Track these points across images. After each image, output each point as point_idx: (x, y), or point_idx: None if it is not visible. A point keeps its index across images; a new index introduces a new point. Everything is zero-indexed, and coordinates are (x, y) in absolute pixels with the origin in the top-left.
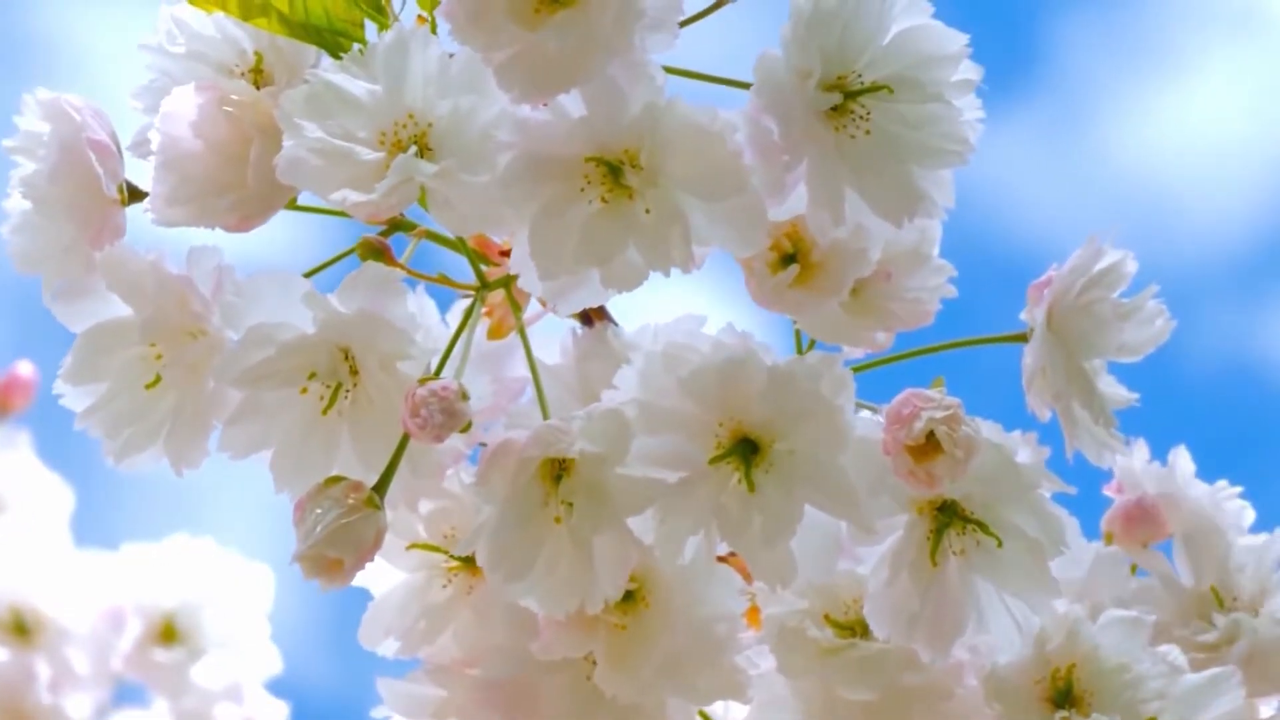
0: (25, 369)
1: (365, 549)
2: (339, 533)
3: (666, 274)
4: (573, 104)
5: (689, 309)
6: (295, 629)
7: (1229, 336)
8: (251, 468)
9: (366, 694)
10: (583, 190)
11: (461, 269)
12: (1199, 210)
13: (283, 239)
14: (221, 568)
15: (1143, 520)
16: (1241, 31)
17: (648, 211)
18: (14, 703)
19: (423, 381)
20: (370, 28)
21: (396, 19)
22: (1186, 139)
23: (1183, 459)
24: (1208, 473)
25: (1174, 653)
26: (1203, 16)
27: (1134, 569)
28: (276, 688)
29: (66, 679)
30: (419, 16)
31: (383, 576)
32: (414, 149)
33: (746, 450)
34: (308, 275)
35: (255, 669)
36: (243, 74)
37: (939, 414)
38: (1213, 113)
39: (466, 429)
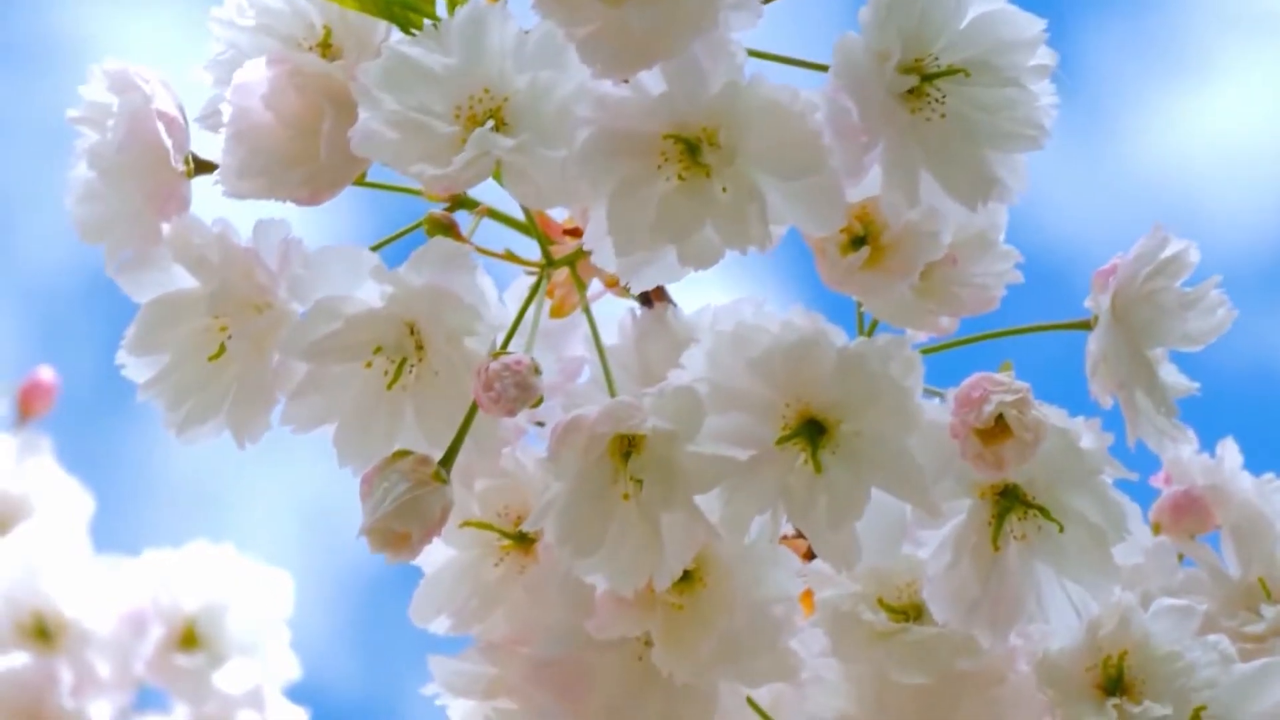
0: (46, 374)
1: (432, 523)
2: (407, 506)
3: (744, 252)
4: (652, 80)
5: (740, 293)
6: (319, 633)
7: (1254, 338)
8: (275, 471)
9: (391, 697)
10: (660, 167)
11: (522, 249)
12: (1224, 213)
13: (347, 217)
14: (242, 573)
15: (1190, 511)
16: (1267, 36)
17: (724, 190)
18: (36, 707)
19: (495, 356)
20: (440, 3)
21: None
22: (1212, 142)
23: (1230, 451)
24: None
25: (1224, 642)
26: (1228, 21)
27: (1180, 559)
28: (301, 691)
29: (88, 684)
30: None
31: (435, 554)
32: (490, 123)
33: (813, 431)
34: (375, 248)
35: (276, 674)
36: (311, 48)
37: (1009, 397)
38: (1238, 116)
39: (538, 404)
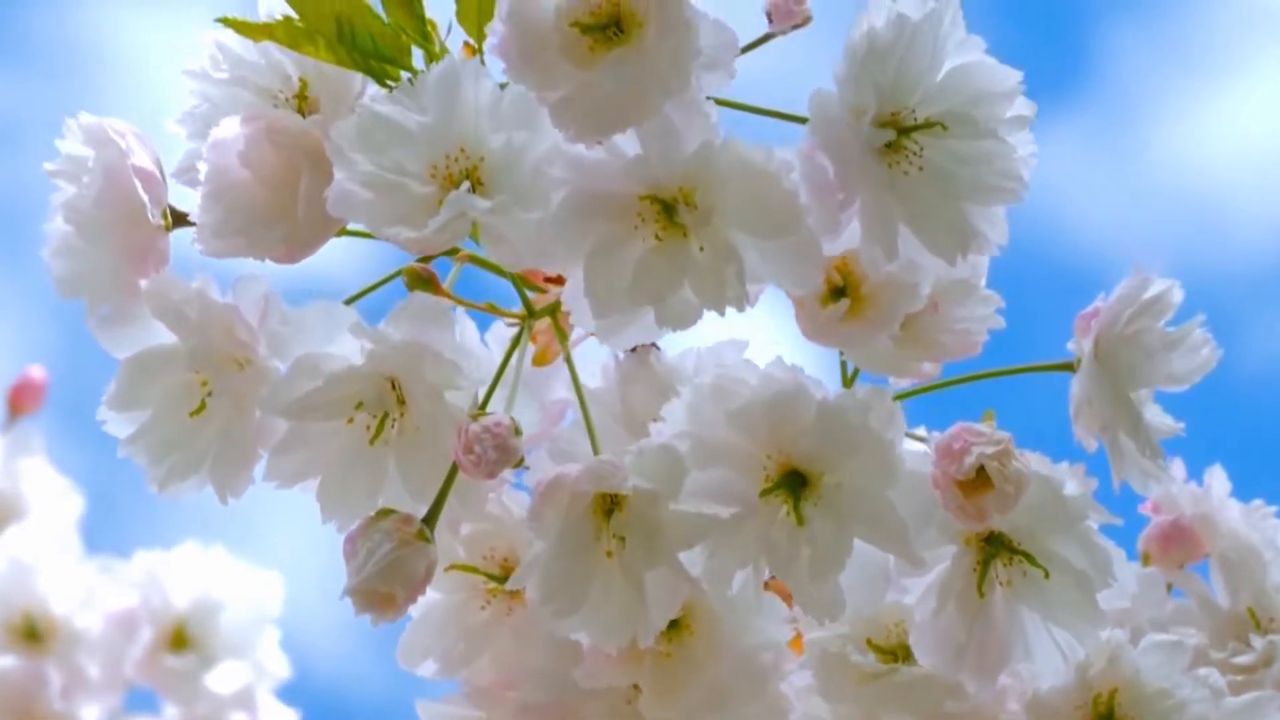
0: (37, 372)
1: (417, 583)
2: (391, 567)
3: (721, 313)
4: (627, 142)
5: (731, 333)
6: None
7: (1277, 340)
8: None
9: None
10: (637, 228)
11: (503, 293)
12: (1248, 214)
13: (325, 261)
14: (233, 575)
15: (1179, 541)
16: None
17: (702, 250)
18: (26, 708)
19: (475, 417)
20: (418, 56)
21: (445, 47)
22: (1235, 145)
23: (1218, 479)
24: (1261, 480)
25: (1214, 676)
26: (1251, 22)
27: (1170, 588)
28: (325, 694)
29: (78, 685)
30: (466, 45)
31: (422, 597)
32: (466, 184)
33: (795, 483)
34: (352, 300)
35: (266, 675)
36: (287, 100)
37: (990, 449)
38: (1262, 118)
39: (519, 464)
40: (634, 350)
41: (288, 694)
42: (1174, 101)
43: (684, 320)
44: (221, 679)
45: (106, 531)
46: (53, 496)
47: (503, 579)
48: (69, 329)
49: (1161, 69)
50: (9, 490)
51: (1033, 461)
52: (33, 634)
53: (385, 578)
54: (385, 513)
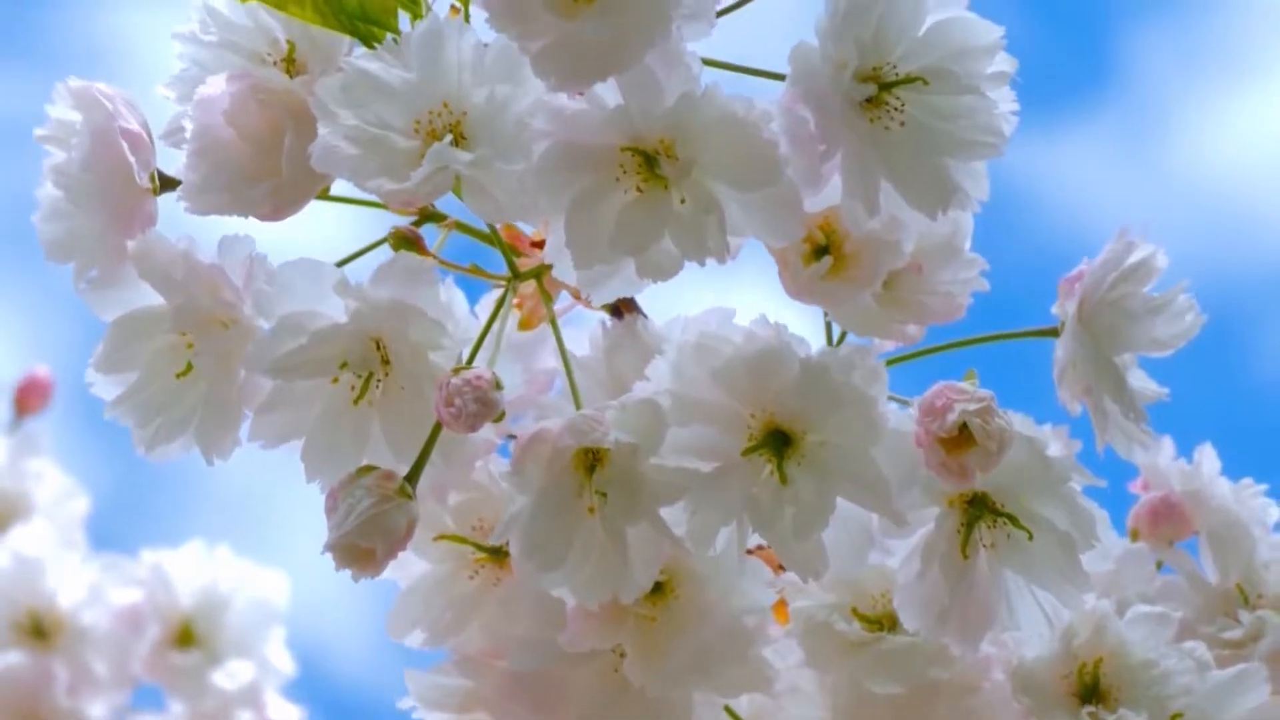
0: (43, 371)
1: (397, 539)
2: (371, 522)
3: (702, 263)
4: (609, 93)
5: (720, 303)
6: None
7: None
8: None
9: None
10: (618, 180)
11: (492, 261)
12: (1272, 217)
13: (314, 230)
14: (238, 572)
15: (1168, 517)
16: None
17: (683, 201)
18: (32, 705)
19: (456, 371)
20: (404, 18)
21: (430, 8)
22: (1260, 147)
23: (1208, 456)
24: None
25: (1200, 649)
26: (1277, 25)
27: (1159, 566)
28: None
29: (85, 682)
30: (452, 6)
31: (410, 568)
32: (449, 137)
33: (778, 442)
34: (340, 264)
35: (272, 672)
36: (275, 63)
37: (972, 406)
38: None
39: (500, 419)
40: (620, 318)
41: (307, 692)
42: (1199, 104)
43: (665, 271)
44: (228, 676)
45: (113, 529)
46: (59, 495)
47: (491, 549)
48: (78, 328)
49: (1187, 71)
50: (16, 489)
51: (1016, 422)
52: (39, 631)
53: (365, 533)
54: (366, 469)
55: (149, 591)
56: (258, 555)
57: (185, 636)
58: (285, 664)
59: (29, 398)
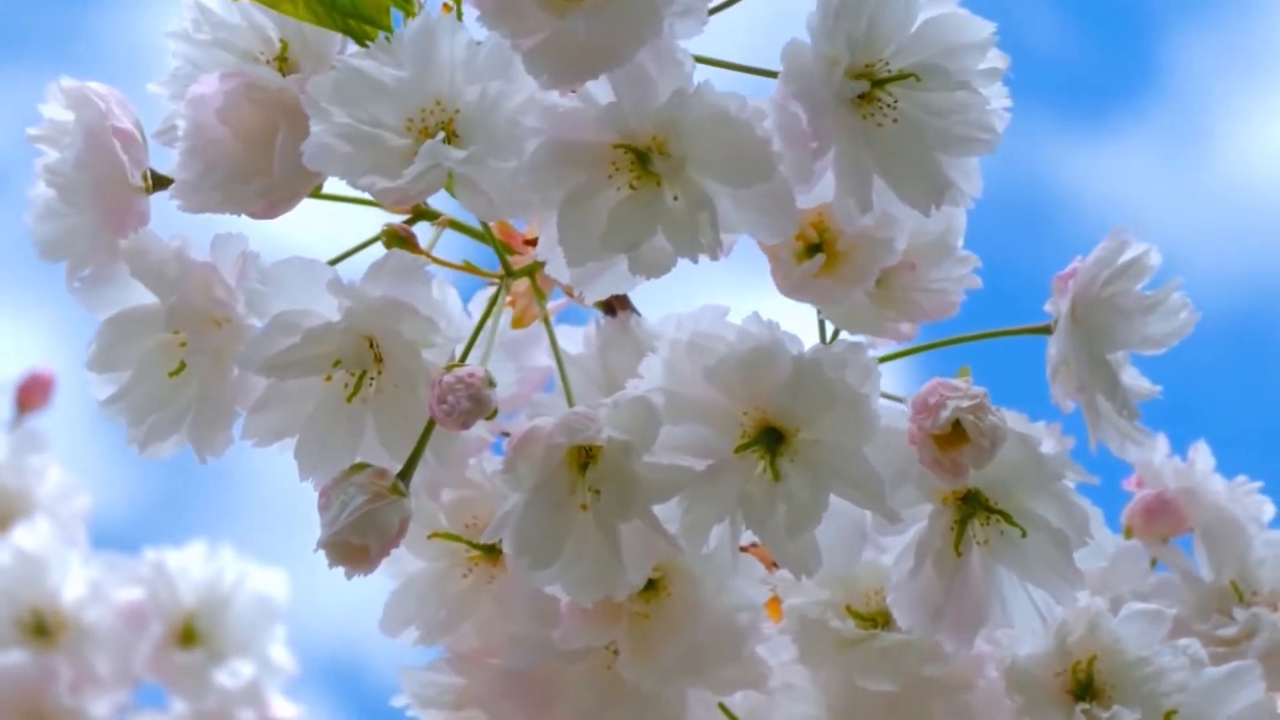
0: (45, 369)
1: (390, 535)
2: (364, 519)
3: (695, 260)
4: (601, 90)
5: (713, 301)
6: None
7: None
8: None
9: None
10: (610, 177)
11: (484, 259)
12: None
13: (306, 228)
14: (241, 571)
15: (1162, 514)
16: None
17: (675, 198)
18: (35, 703)
19: (449, 368)
20: (396, 16)
21: (422, 6)
22: None
23: (1202, 453)
24: None
25: (1194, 646)
26: None
27: (1153, 563)
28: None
29: (87, 680)
30: (444, 4)
31: (403, 566)
32: (441, 135)
33: (771, 439)
34: (333, 262)
35: (274, 671)
36: (268, 61)
37: (965, 403)
38: None
39: (492, 416)
40: (614, 316)
41: (343, 692)
42: (1242, 108)
43: (657, 268)
44: (230, 674)
45: (115, 527)
46: (61, 492)
47: (484, 547)
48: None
49: (1230, 76)
50: (18, 487)
51: (1009, 418)
52: (42, 629)
53: (358, 530)
54: (359, 466)
55: (151, 590)
56: (298, 556)
57: (187, 635)
58: (287, 662)
59: (30, 395)
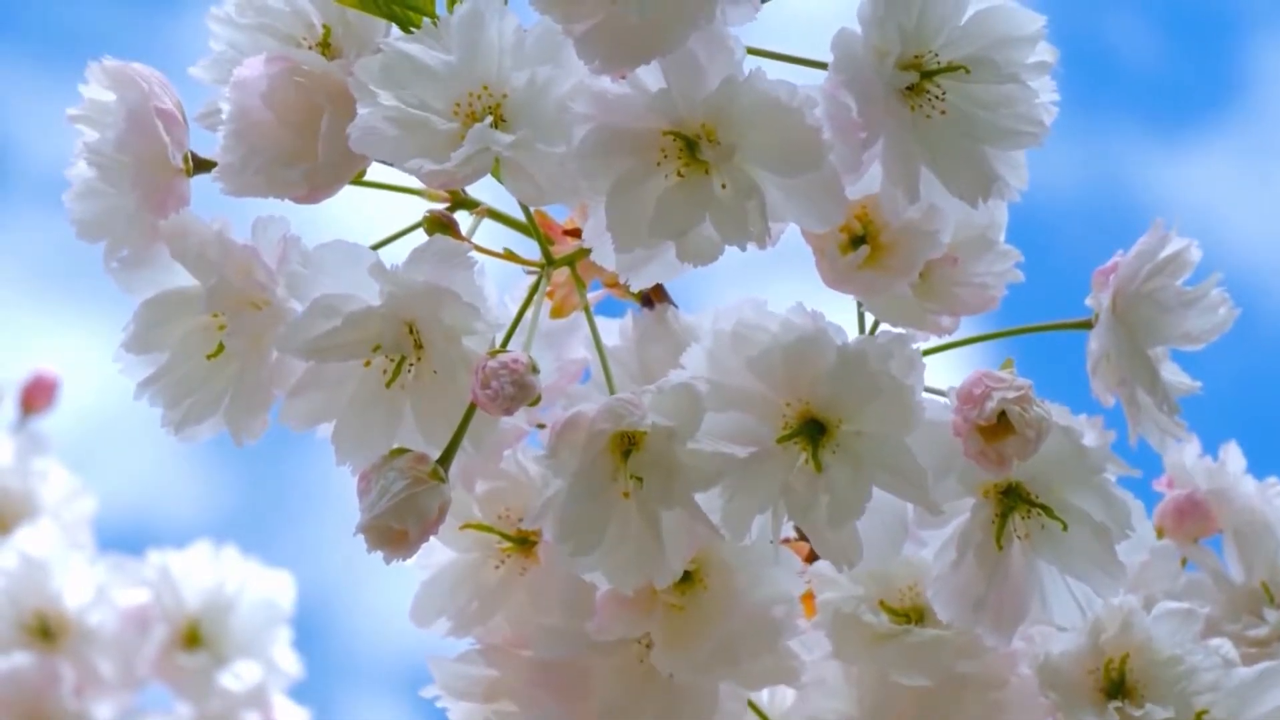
0: (50, 370)
1: (430, 521)
2: (404, 504)
3: (743, 248)
4: (651, 77)
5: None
6: None
7: None
8: None
9: None
10: (659, 164)
11: (522, 249)
12: None
13: (345, 214)
14: (245, 574)
15: (1193, 515)
16: None
17: (724, 186)
18: (39, 706)
19: (493, 354)
20: (440, 1)
21: None
22: None
23: (1233, 454)
24: None
25: (1226, 646)
26: None
27: (1183, 563)
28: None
29: (91, 683)
30: None
31: (436, 556)
32: (489, 119)
33: (814, 431)
34: (374, 248)
35: (278, 674)
36: (310, 47)
37: (1011, 394)
38: None
39: (535, 403)
40: (651, 308)
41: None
42: None
43: (705, 256)
44: (234, 677)
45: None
46: (66, 495)
47: (517, 538)
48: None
49: None
50: (22, 489)
51: (1052, 411)
52: (46, 632)
53: (398, 515)
54: (399, 451)
55: (156, 592)
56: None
57: (192, 637)
58: (292, 665)
59: (35, 397)
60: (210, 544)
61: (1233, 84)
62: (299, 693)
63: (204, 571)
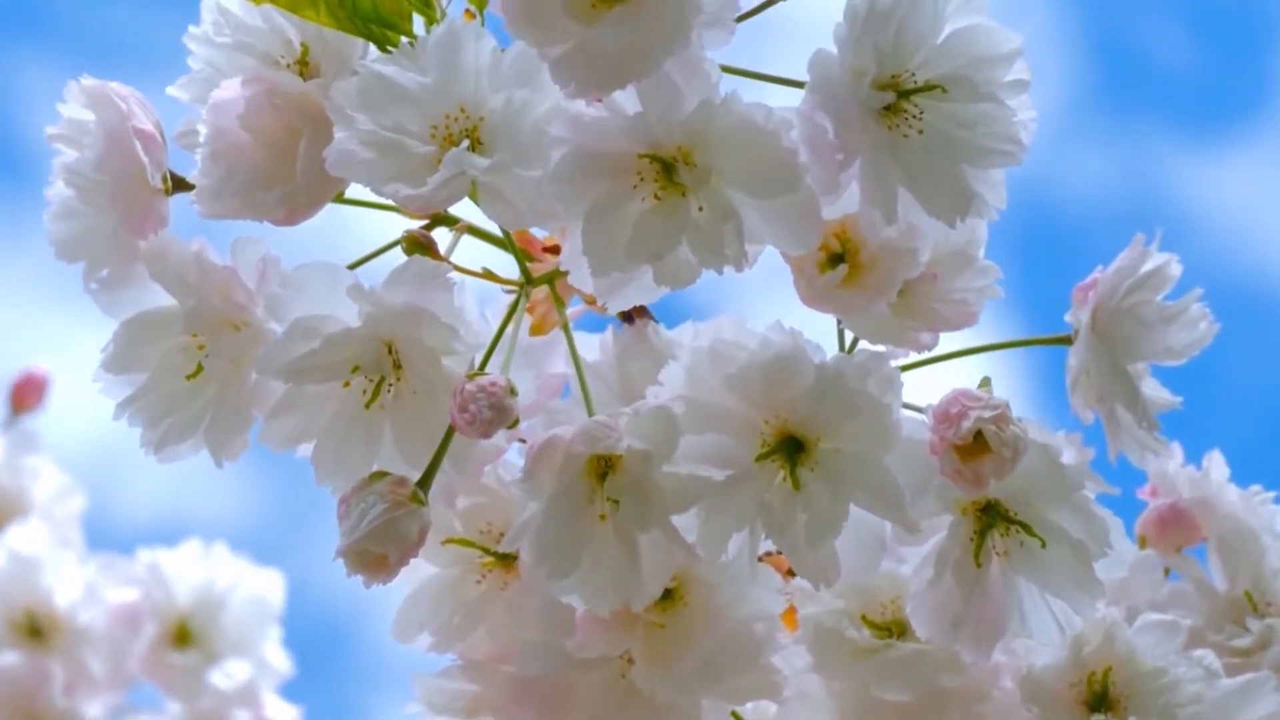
0: (39, 368)
1: (409, 545)
2: (384, 528)
3: (719, 271)
4: (627, 100)
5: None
6: None
7: None
8: None
9: None
10: (635, 187)
11: (503, 266)
12: None
13: (324, 232)
14: (235, 571)
15: (1177, 524)
16: None
17: (701, 209)
18: (29, 705)
19: (471, 377)
20: (418, 22)
21: (444, 13)
22: None
23: (1217, 463)
24: None
25: (1209, 657)
26: None
27: (1167, 573)
28: None
29: (81, 682)
30: (466, 11)
31: (417, 571)
32: (466, 143)
33: (792, 448)
34: (352, 267)
35: (269, 672)
36: (289, 65)
37: (987, 413)
38: None
39: (513, 425)
40: (632, 324)
41: None
42: None
43: (682, 279)
44: (224, 676)
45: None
46: (56, 493)
47: (500, 554)
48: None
49: None
50: (12, 486)
51: (1030, 429)
52: (36, 630)
53: (378, 539)
54: (378, 475)
55: (146, 590)
56: None
57: (182, 636)
58: (282, 663)
59: (25, 395)
60: (199, 542)
61: (1267, 87)
62: (331, 704)
63: (194, 569)
